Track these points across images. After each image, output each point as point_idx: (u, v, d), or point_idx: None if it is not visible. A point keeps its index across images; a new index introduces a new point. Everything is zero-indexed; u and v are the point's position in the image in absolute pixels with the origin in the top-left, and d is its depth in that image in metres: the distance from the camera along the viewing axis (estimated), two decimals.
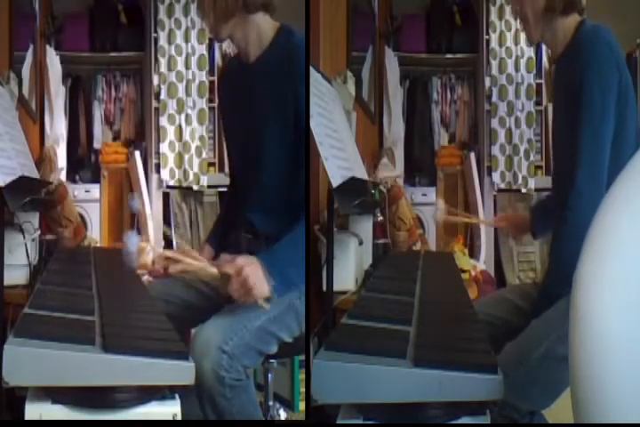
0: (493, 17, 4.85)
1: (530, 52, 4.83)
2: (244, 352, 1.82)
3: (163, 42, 4.65)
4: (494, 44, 4.86)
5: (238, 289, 1.74)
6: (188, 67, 4.67)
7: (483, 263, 4.54)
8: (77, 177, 4.74)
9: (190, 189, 4.69)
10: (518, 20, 2.12)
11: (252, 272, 1.74)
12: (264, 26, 2.00)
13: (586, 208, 1.82)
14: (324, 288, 2.17)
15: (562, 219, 1.94)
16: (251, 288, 1.74)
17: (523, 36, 4.60)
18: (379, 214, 3.14)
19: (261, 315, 1.88)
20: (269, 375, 2.37)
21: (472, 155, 4.90)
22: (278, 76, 1.96)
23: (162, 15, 4.63)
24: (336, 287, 2.16)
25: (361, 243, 2.86)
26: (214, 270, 1.77)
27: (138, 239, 1.65)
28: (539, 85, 4.87)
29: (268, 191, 2.04)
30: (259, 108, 2.02)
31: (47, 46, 4.27)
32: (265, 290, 1.76)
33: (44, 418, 1.40)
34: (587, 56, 1.92)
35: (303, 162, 1.97)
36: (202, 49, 4.65)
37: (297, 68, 1.93)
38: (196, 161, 4.67)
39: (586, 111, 1.91)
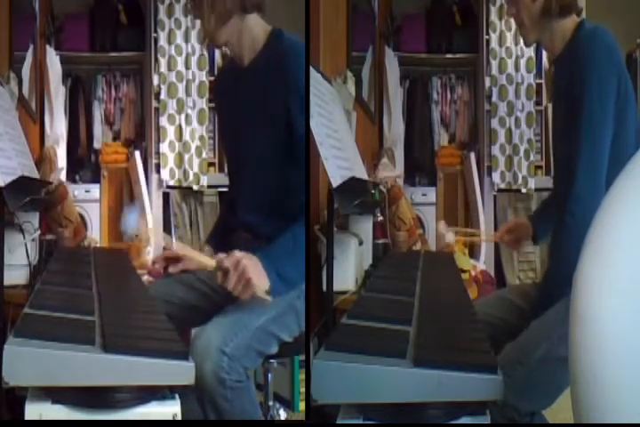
0: (493, 17, 4.85)
1: (530, 52, 4.83)
2: (244, 353, 1.82)
3: (163, 42, 4.65)
4: (494, 44, 4.86)
5: (237, 282, 1.76)
6: (188, 67, 4.67)
7: (483, 263, 4.54)
8: (77, 177, 4.74)
9: (190, 189, 4.69)
10: (512, 21, 2.12)
11: (250, 265, 1.75)
12: (257, 29, 2.03)
13: (585, 212, 1.82)
14: (324, 288, 2.17)
15: (561, 222, 1.94)
16: (249, 280, 1.75)
17: None
18: (379, 214, 3.14)
19: (261, 315, 1.88)
20: (269, 375, 2.37)
21: (472, 155, 4.90)
22: (269, 79, 1.98)
23: (162, 15, 4.63)
24: (336, 287, 2.16)
25: (361, 243, 2.86)
26: (212, 262, 1.79)
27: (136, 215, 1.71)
28: (539, 85, 4.87)
29: (263, 191, 2.05)
30: (251, 111, 2.04)
31: (47, 46, 4.27)
32: (264, 283, 1.77)
33: (43, 418, 1.40)
34: (585, 60, 1.92)
35: (296, 162, 1.97)
36: (202, 49, 4.65)
37: (287, 70, 1.95)
38: (195, 161, 4.67)
39: (585, 116, 1.90)
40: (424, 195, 4.90)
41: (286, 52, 1.98)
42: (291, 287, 1.87)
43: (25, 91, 3.59)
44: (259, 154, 2.03)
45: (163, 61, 4.64)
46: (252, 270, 1.75)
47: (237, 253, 1.78)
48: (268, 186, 2.04)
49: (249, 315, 1.86)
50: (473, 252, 4.57)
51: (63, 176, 3.87)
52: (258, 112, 2.02)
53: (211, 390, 1.76)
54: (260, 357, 1.92)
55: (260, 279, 1.76)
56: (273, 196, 2.03)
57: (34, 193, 2.47)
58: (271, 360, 2.17)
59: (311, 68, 2.08)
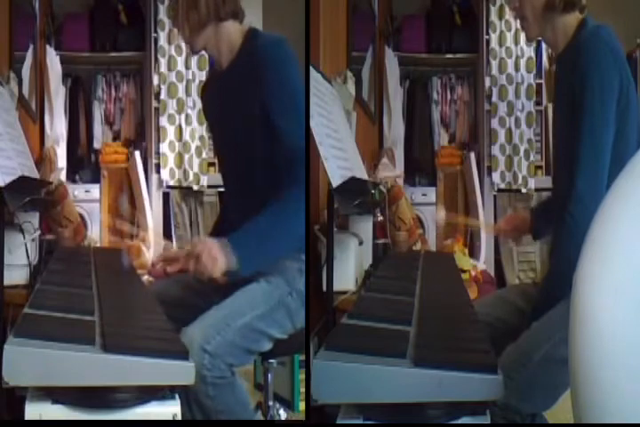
0: (493, 17, 4.85)
1: (530, 52, 4.83)
2: (227, 351, 1.82)
3: (163, 42, 4.65)
4: (494, 44, 4.86)
5: (193, 264, 1.84)
6: (187, 67, 4.67)
7: (483, 263, 4.54)
8: (77, 177, 4.74)
9: (190, 189, 4.70)
10: (516, 17, 2.11)
11: (207, 250, 1.83)
12: (234, 34, 2.05)
13: (586, 213, 1.80)
14: (324, 288, 2.17)
15: (561, 223, 1.93)
16: (202, 263, 1.82)
17: (523, 35, 4.60)
18: (379, 214, 3.14)
19: (247, 313, 1.89)
20: (269, 375, 2.36)
21: (472, 155, 4.90)
22: (244, 79, 1.99)
23: (162, 15, 4.63)
24: (336, 287, 2.16)
25: (361, 243, 2.86)
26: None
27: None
28: (539, 85, 4.87)
29: (249, 190, 2.06)
30: (233, 112, 2.06)
31: (47, 46, 4.27)
32: (217, 267, 1.83)
33: (43, 418, 1.40)
34: (588, 60, 1.91)
35: (273, 162, 1.97)
36: None
37: (259, 69, 1.95)
38: (196, 161, 4.67)
39: (587, 116, 1.89)
40: (424, 195, 4.90)
41: (260, 49, 1.98)
42: (260, 265, 1.90)
43: (25, 91, 3.59)
44: (242, 154, 2.04)
45: (163, 61, 4.64)
46: (208, 255, 1.83)
47: (195, 239, 2.01)
48: (252, 185, 2.04)
49: (233, 313, 1.88)
50: (473, 252, 4.58)
51: (63, 176, 3.87)
52: (238, 113, 2.03)
53: (193, 387, 1.75)
54: (250, 353, 1.92)
55: (213, 263, 1.83)
56: (257, 194, 2.03)
57: (34, 193, 2.47)
58: (271, 360, 2.17)
59: (311, 68, 2.08)
